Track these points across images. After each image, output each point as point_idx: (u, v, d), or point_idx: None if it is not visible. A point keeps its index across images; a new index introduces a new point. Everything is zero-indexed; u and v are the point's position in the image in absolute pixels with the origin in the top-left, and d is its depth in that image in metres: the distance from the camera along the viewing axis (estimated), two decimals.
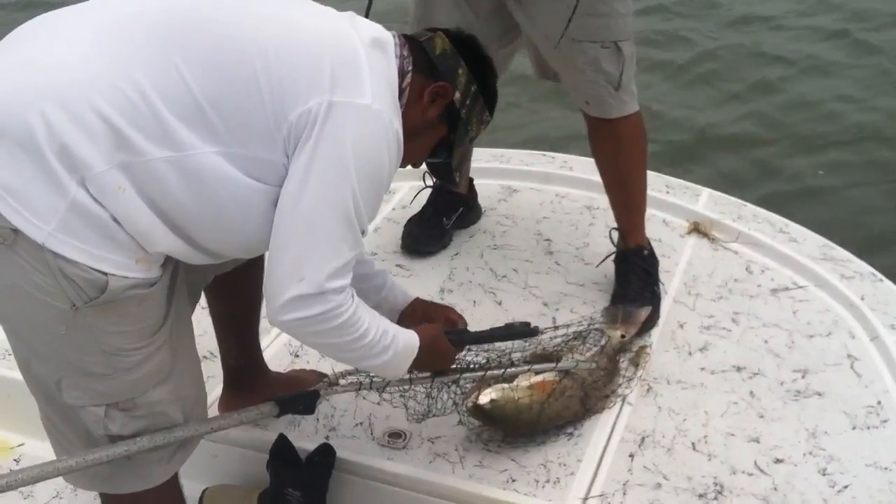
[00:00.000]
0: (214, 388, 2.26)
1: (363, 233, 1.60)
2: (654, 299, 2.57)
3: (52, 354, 1.56)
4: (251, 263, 1.95)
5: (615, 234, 2.70)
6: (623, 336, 2.38)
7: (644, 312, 2.48)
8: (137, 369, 1.59)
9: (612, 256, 2.70)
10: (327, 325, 1.58)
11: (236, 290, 2.02)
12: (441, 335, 1.91)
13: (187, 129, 1.46)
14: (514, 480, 2.04)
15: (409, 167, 1.79)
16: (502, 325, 2.12)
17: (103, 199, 1.44)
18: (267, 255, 1.60)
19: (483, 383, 2.08)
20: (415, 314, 1.98)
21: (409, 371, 1.86)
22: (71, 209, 1.43)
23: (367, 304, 1.89)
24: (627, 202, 2.66)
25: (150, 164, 1.45)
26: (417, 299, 2.03)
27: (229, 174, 1.50)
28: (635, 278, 2.61)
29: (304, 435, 2.16)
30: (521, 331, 2.09)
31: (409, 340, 1.76)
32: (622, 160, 2.59)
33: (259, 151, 1.51)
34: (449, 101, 1.71)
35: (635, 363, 2.37)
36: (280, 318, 1.57)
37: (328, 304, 1.56)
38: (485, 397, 2.06)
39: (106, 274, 1.47)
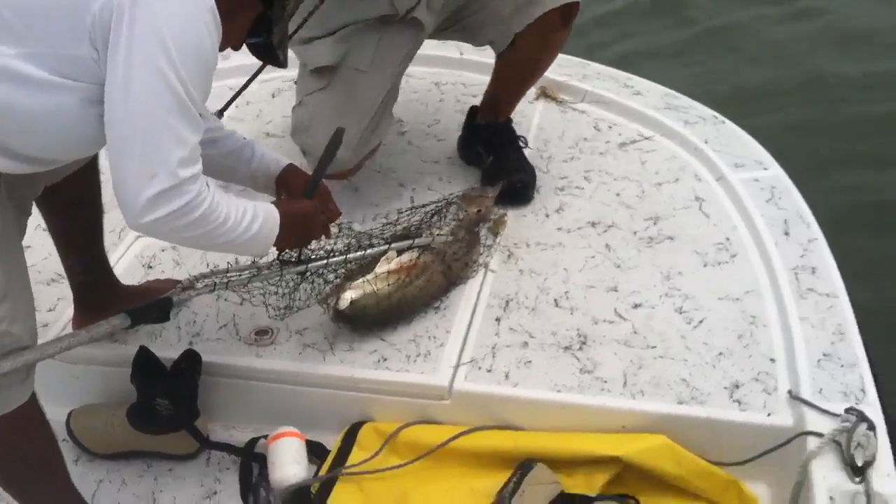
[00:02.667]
0: (66, 309, 2.19)
1: (200, 116, 1.54)
2: (532, 170, 2.59)
3: None
4: (83, 174, 1.88)
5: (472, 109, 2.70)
6: (478, 211, 2.39)
7: (496, 189, 2.48)
8: None
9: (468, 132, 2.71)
10: (189, 218, 1.54)
11: (71, 203, 1.94)
12: (294, 199, 1.90)
13: None
14: (385, 359, 2.06)
15: None
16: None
17: None
18: (109, 162, 1.52)
19: (340, 287, 2.08)
20: (293, 182, 1.97)
21: (282, 247, 1.87)
22: None
23: (241, 177, 1.94)
24: (526, 84, 2.65)
25: None
26: (291, 165, 2.00)
27: (35, 75, 1.43)
28: (512, 151, 2.62)
29: (168, 344, 2.12)
30: (336, 139, 2.06)
31: (268, 212, 1.74)
32: (550, 55, 2.55)
33: (65, 48, 1.44)
34: None
35: (494, 231, 2.40)
36: (141, 220, 1.51)
37: (187, 196, 1.52)
38: (344, 301, 2.05)
39: None
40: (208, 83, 1.56)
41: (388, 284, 2.11)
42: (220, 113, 2.65)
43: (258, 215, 1.71)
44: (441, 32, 2.52)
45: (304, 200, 1.92)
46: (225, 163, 1.93)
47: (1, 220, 1.59)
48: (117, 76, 1.44)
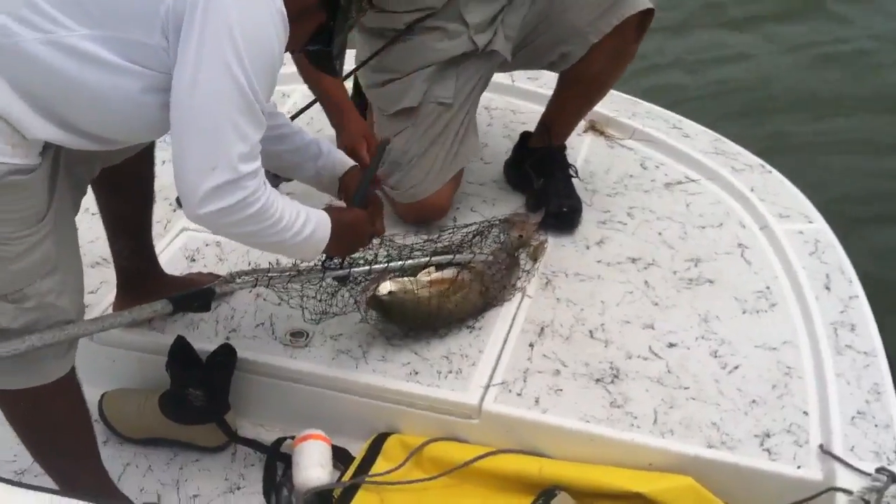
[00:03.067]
0: (108, 293, 2.21)
1: (263, 113, 1.56)
2: (579, 199, 2.60)
3: None
4: (140, 159, 1.91)
5: (522, 133, 2.72)
6: (520, 236, 2.40)
7: (539, 216, 2.50)
8: (22, 259, 1.55)
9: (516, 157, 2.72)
10: (245, 213, 1.57)
11: (126, 187, 1.98)
12: (345, 207, 1.93)
13: (60, 12, 1.43)
14: (416, 373, 2.07)
15: None
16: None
17: None
18: (171, 152, 1.55)
19: (383, 277, 2.09)
20: (353, 181, 2.00)
21: (327, 254, 1.89)
22: None
23: (307, 174, 1.97)
24: (590, 104, 2.66)
25: (22, 46, 1.42)
26: (356, 166, 2.03)
27: (105, 58, 1.47)
28: (562, 175, 2.62)
29: (204, 336, 2.14)
30: (381, 148, 2.12)
31: (320, 218, 1.77)
32: (619, 69, 2.54)
33: (137, 34, 1.47)
34: None
35: (533, 257, 2.41)
36: (199, 211, 1.54)
37: (245, 191, 1.55)
38: (383, 289, 2.07)
39: None
40: (273, 82, 1.59)
41: (428, 291, 2.12)
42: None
43: (311, 220, 1.73)
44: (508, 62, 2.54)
45: (356, 210, 1.94)
46: (292, 159, 1.96)
47: (58, 196, 1.62)
48: (186, 68, 1.47)
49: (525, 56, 2.54)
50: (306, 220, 1.72)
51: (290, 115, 2.64)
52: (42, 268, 1.60)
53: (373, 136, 2.28)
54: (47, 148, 1.55)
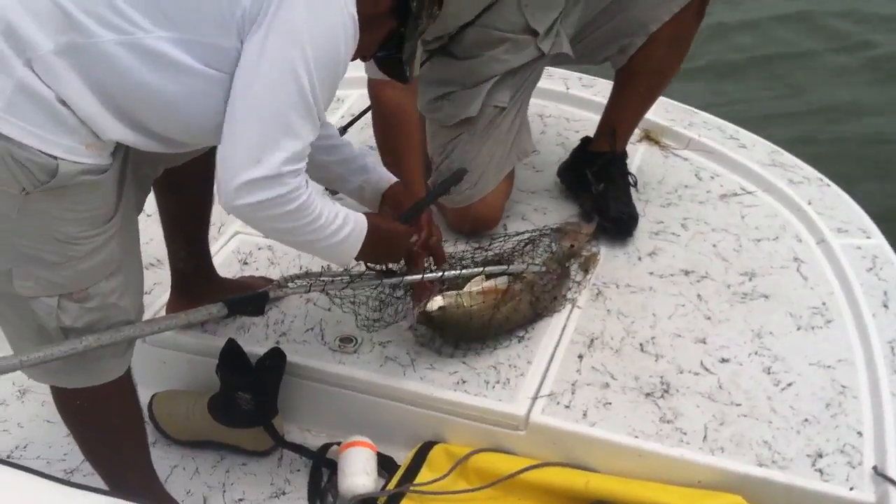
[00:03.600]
0: (162, 294, 2.24)
1: (319, 118, 1.57)
2: (636, 209, 2.57)
3: (2, 243, 1.53)
4: (202, 161, 1.92)
5: (583, 138, 2.69)
6: (571, 246, 2.38)
7: (591, 226, 2.48)
8: (89, 258, 1.57)
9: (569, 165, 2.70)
10: (283, 209, 1.56)
11: (186, 187, 1.99)
12: (389, 217, 1.93)
13: (139, 13, 1.44)
14: (464, 382, 2.06)
15: None
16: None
17: (50, 81, 1.43)
18: (221, 139, 1.55)
19: (434, 290, 2.08)
20: (400, 199, 2.00)
21: (361, 259, 1.88)
22: (18, 90, 1.42)
23: (350, 187, 1.97)
24: (653, 98, 2.62)
25: (100, 46, 1.44)
26: (398, 183, 2.03)
27: (181, 60, 1.48)
28: (623, 183, 2.60)
29: (255, 340, 2.16)
30: (455, 177, 2.14)
31: (358, 221, 1.76)
32: (679, 57, 2.50)
33: (213, 38, 1.48)
34: None
35: (585, 268, 2.38)
36: (235, 202, 1.53)
37: (285, 188, 1.54)
38: (433, 304, 2.05)
39: (56, 158, 1.45)
40: (334, 88, 1.59)
41: (483, 303, 2.10)
42: (343, 130, 2.72)
43: (348, 222, 1.72)
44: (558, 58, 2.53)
45: (397, 223, 1.93)
46: (337, 170, 1.96)
47: (125, 196, 1.64)
48: (250, 59, 1.48)
49: (579, 51, 2.51)
50: (344, 221, 1.71)
51: (344, 124, 2.69)
52: (107, 268, 1.62)
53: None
54: (118, 149, 1.57)
